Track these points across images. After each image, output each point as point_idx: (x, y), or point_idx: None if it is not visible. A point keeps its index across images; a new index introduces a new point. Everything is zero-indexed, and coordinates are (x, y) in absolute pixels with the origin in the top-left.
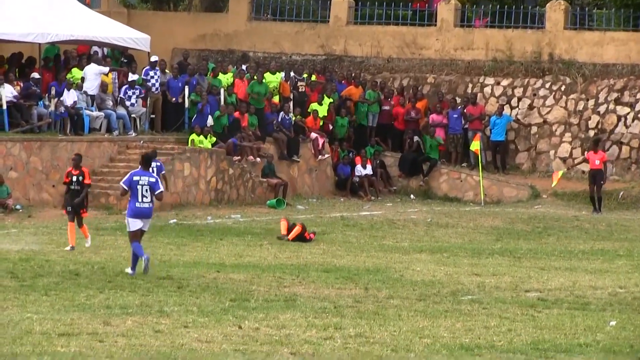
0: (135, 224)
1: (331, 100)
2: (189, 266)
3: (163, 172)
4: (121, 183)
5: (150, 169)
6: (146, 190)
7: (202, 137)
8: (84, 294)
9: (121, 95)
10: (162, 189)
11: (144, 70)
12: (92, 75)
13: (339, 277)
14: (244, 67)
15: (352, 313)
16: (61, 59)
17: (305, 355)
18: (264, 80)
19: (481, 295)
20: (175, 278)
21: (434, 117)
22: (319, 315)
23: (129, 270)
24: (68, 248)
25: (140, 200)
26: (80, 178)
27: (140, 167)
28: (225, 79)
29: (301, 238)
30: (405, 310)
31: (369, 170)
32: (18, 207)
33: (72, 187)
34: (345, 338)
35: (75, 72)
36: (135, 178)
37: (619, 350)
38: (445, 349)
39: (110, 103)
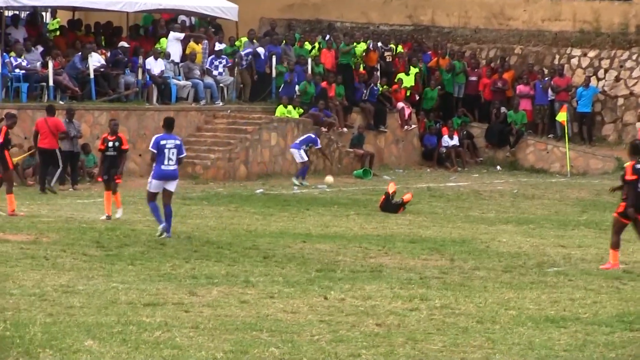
0: (157, 186)
1: (417, 70)
2: (275, 236)
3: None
4: (150, 148)
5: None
6: (173, 153)
7: (289, 107)
8: (170, 263)
9: (207, 65)
10: (184, 153)
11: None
12: (171, 43)
13: (424, 248)
14: (331, 37)
15: (438, 284)
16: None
17: (390, 327)
18: (352, 49)
19: (567, 267)
20: (262, 248)
21: (520, 88)
22: (404, 287)
23: (160, 227)
24: (104, 217)
25: (166, 163)
26: (117, 144)
27: (164, 130)
28: (313, 49)
29: (396, 207)
30: (491, 282)
31: (455, 141)
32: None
33: (109, 153)
34: (431, 309)
35: (163, 42)
36: (162, 142)
37: None
38: (530, 321)
39: (197, 72)
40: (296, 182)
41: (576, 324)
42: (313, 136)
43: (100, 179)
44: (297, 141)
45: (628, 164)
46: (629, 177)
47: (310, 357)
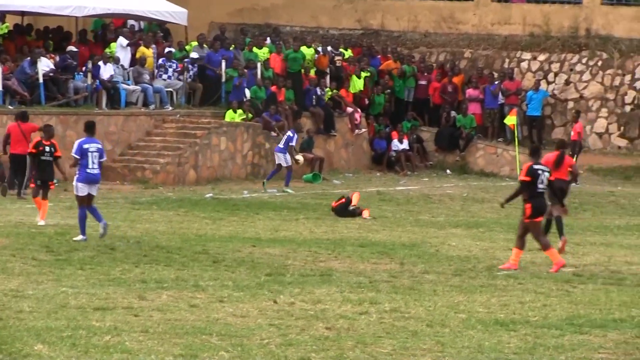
0: (84, 190)
1: (367, 74)
2: (225, 240)
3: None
4: (72, 154)
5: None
6: (95, 156)
7: (240, 111)
8: (120, 268)
9: (156, 69)
10: (105, 157)
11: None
12: (119, 48)
13: (374, 252)
14: (280, 42)
15: (388, 288)
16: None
17: (340, 330)
18: (300, 50)
19: (517, 270)
20: (211, 252)
21: (470, 92)
22: (354, 290)
23: (79, 237)
24: (42, 223)
25: (90, 166)
26: (53, 150)
27: (86, 134)
28: (262, 53)
29: (351, 213)
30: (440, 285)
31: (405, 145)
32: (56, 181)
33: (44, 157)
34: (381, 313)
35: (113, 47)
36: (85, 146)
37: None
38: (480, 324)
39: (147, 77)
40: (288, 190)
41: (526, 327)
42: (291, 134)
43: (32, 185)
44: (281, 144)
45: (525, 165)
46: (522, 177)
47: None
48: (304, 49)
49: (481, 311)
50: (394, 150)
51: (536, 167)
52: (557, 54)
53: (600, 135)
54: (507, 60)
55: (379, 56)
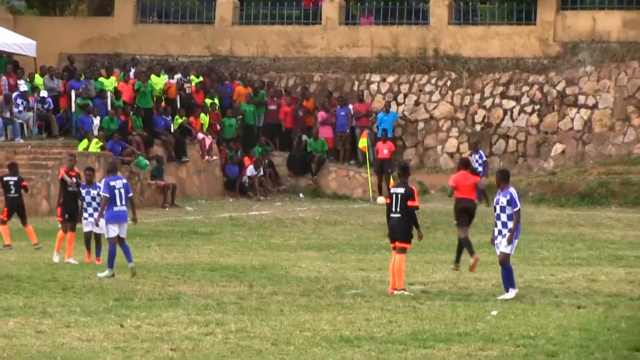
0: (114, 231)
1: (215, 101)
2: (75, 269)
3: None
4: (101, 193)
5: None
6: (121, 193)
7: (95, 140)
8: None
9: (13, 102)
10: (131, 192)
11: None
12: None
13: (224, 275)
14: (132, 70)
15: (235, 309)
16: None
17: (185, 351)
18: (149, 82)
19: (365, 289)
20: (61, 280)
21: (321, 115)
22: (201, 312)
23: (105, 273)
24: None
25: (118, 204)
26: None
27: (109, 174)
28: (110, 82)
29: None
30: (287, 305)
31: (259, 170)
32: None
33: (71, 189)
34: (227, 333)
35: None
36: (112, 183)
37: (498, 338)
38: (325, 342)
39: None
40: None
41: (370, 343)
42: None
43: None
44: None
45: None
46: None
47: None
48: (153, 77)
49: (326, 329)
50: (248, 176)
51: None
52: (406, 75)
53: (451, 155)
54: (356, 82)
55: (228, 82)
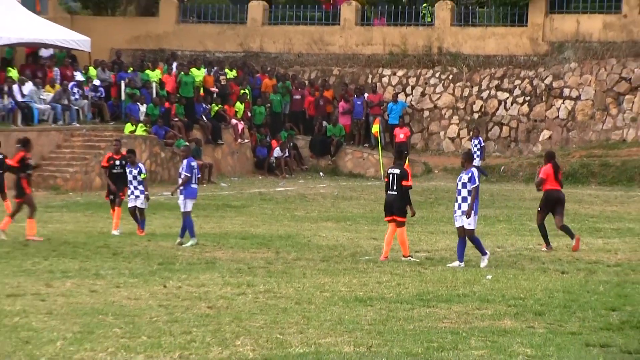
0: (190, 204)
1: (246, 91)
2: (124, 237)
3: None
4: (184, 172)
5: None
6: (196, 173)
7: (139, 125)
8: (31, 261)
9: (71, 90)
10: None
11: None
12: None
13: (254, 243)
14: (174, 64)
15: (263, 273)
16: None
17: (220, 309)
18: (190, 74)
19: (377, 256)
20: (112, 247)
21: (341, 105)
22: (234, 275)
23: (191, 242)
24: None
25: (194, 182)
26: (124, 162)
27: (188, 156)
28: (155, 74)
29: None
30: (309, 270)
31: (284, 152)
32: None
33: (115, 170)
34: (256, 293)
35: (11, 71)
36: (193, 163)
37: (492, 299)
38: (342, 301)
39: (57, 97)
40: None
41: (381, 303)
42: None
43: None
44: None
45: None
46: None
47: (148, 334)
48: (193, 70)
49: (343, 290)
50: (275, 157)
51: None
52: (413, 70)
53: (452, 139)
54: (370, 76)
55: (259, 75)
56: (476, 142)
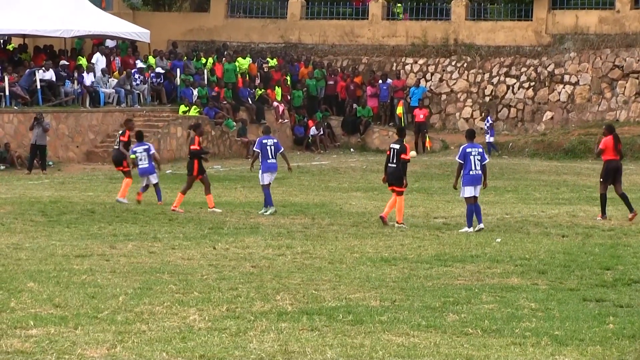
0: (268, 178)
1: (286, 77)
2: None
3: (152, 152)
4: (254, 148)
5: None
6: (272, 149)
7: (192, 107)
8: (97, 226)
9: (130, 76)
10: (282, 148)
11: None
12: (95, 60)
13: (292, 210)
14: (223, 54)
15: (301, 236)
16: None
17: (262, 268)
18: (236, 63)
19: None
20: (167, 213)
21: (368, 89)
22: (275, 238)
23: (270, 211)
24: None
25: (270, 157)
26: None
27: (264, 134)
28: (208, 62)
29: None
30: (341, 234)
31: (319, 130)
32: (50, 163)
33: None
34: (294, 254)
35: (81, 60)
36: (265, 141)
37: (501, 259)
38: (369, 261)
39: (120, 82)
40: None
41: (404, 262)
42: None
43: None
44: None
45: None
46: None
47: (199, 290)
48: (239, 59)
49: (370, 251)
50: (311, 135)
51: (468, 149)
52: (432, 59)
53: (466, 119)
54: (394, 64)
55: (297, 63)
56: (486, 121)
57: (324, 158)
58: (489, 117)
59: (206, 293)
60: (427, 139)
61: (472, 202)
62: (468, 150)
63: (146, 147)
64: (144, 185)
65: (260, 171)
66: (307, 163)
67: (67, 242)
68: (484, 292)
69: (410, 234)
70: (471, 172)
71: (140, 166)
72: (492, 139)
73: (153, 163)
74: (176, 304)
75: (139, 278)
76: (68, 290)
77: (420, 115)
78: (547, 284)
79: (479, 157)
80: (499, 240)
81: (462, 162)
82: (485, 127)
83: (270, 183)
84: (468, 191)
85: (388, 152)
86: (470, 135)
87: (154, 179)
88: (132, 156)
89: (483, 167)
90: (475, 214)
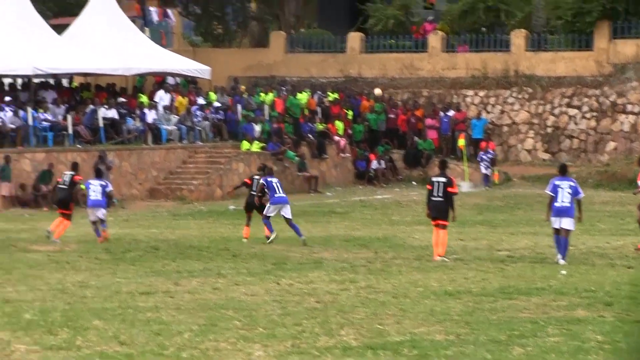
0: (272, 210)
1: (347, 112)
2: (243, 243)
3: (109, 189)
4: (261, 180)
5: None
6: (279, 185)
7: (256, 142)
8: (161, 263)
9: (194, 113)
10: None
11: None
12: (158, 98)
13: (356, 245)
14: (283, 89)
15: (364, 270)
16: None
17: (327, 303)
18: (297, 97)
19: (463, 254)
20: (231, 249)
21: (429, 121)
22: (338, 273)
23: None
24: None
25: (278, 192)
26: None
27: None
28: (268, 98)
29: None
30: (404, 267)
31: (381, 164)
32: (115, 200)
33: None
34: (358, 289)
35: (142, 97)
36: (269, 179)
37: (567, 291)
38: (433, 295)
39: (181, 119)
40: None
41: (468, 296)
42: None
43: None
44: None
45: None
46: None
47: (263, 326)
48: (299, 94)
49: (434, 285)
50: (373, 169)
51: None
52: (493, 90)
53: (529, 151)
54: (455, 96)
55: (358, 97)
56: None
57: (386, 192)
58: (488, 150)
59: (271, 329)
60: (495, 171)
61: (558, 233)
62: (556, 182)
63: (103, 183)
64: (94, 225)
65: (269, 204)
66: (370, 197)
67: (131, 280)
68: (549, 325)
69: (474, 267)
70: (556, 204)
71: (91, 198)
72: (488, 171)
73: (106, 199)
74: (241, 340)
75: (204, 314)
76: (133, 327)
77: (488, 149)
78: (613, 316)
79: (570, 191)
80: (563, 272)
81: (553, 195)
82: (482, 158)
83: (285, 217)
84: (554, 222)
85: (429, 187)
86: (562, 169)
87: (101, 215)
88: (83, 187)
89: (578, 202)
90: (557, 246)
